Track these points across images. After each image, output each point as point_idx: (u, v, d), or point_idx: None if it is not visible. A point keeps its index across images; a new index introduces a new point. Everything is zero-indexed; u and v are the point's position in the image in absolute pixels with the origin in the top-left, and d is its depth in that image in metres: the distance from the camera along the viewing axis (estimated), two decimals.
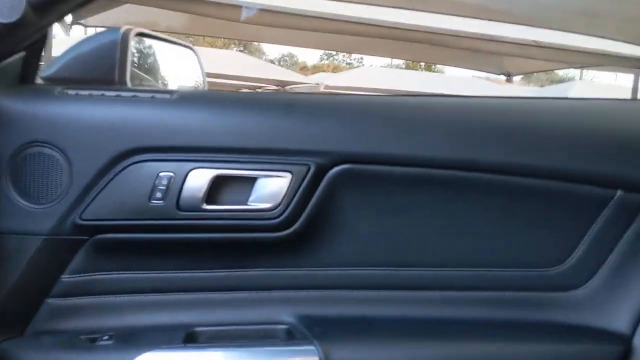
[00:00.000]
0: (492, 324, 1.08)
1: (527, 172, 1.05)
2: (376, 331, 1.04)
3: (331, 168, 1.02)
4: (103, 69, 1.06)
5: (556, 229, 1.09)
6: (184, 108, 1.02)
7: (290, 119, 1.03)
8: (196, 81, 1.38)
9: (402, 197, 1.06)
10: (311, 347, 0.95)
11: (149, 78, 1.24)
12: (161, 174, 0.98)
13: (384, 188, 1.05)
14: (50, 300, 1.01)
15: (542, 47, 5.54)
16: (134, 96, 1.01)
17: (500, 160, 1.05)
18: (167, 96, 1.03)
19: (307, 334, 0.99)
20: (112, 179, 0.98)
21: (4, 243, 0.96)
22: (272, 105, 1.05)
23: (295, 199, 1.01)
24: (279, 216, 1.01)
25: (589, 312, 1.08)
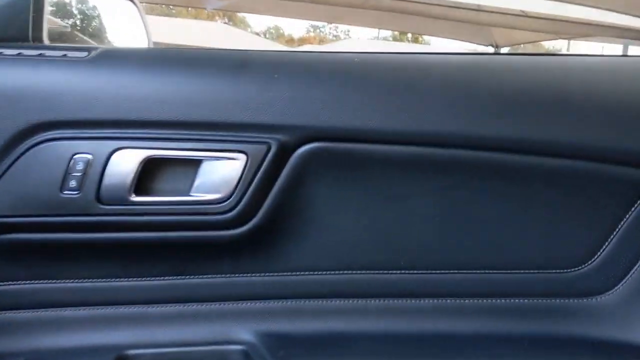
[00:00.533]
0: (500, 339, 0.88)
1: (546, 151, 0.84)
2: (358, 351, 0.84)
3: (298, 147, 0.81)
4: (14, 24, 0.84)
5: (580, 221, 0.88)
6: (104, 70, 0.80)
7: (243, 83, 0.81)
8: (137, 39, 1.15)
9: (390, 184, 0.85)
10: None
11: (80, 35, 1.02)
12: (76, 156, 0.77)
13: (366, 172, 0.84)
14: None
15: (529, 17, 5.49)
16: (39, 55, 0.79)
17: (513, 136, 0.83)
18: (83, 54, 0.80)
19: (268, 357, 0.80)
20: (12, 164, 0.76)
21: None
22: (219, 65, 0.82)
23: (252, 187, 0.80)
24: (231, 209, 0.80)
25: (616, 322, 0.89)
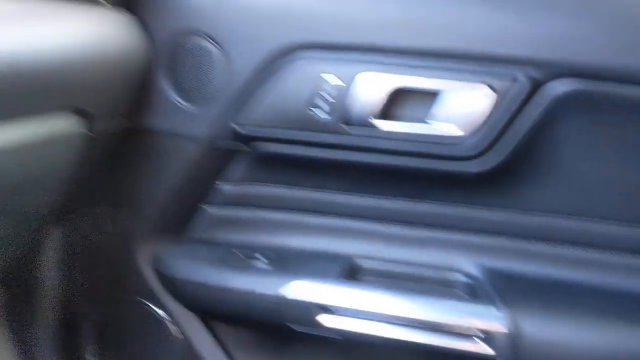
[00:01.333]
0: None
1: None
2: (590, 306, 0.78)
3: (551, 84, 0.75)
4: None
5: None
6: None
7: (493, 10, 0.75)
8: None
9: None
10: (498, 313, 0.74)
11: None
12: (326, 77, 0.80)
13: (629, 118, 0.75)
14: (205, 208, 0.94)
15: None
16: None
17: None
18: None
19: (494, 294, 0.79)
20: (270, 80, 0.82)
21: (160, 142, 0.88)
22: None
23: (498, 124, 0.76)
24: (474, 145, 0.78)
25: None
